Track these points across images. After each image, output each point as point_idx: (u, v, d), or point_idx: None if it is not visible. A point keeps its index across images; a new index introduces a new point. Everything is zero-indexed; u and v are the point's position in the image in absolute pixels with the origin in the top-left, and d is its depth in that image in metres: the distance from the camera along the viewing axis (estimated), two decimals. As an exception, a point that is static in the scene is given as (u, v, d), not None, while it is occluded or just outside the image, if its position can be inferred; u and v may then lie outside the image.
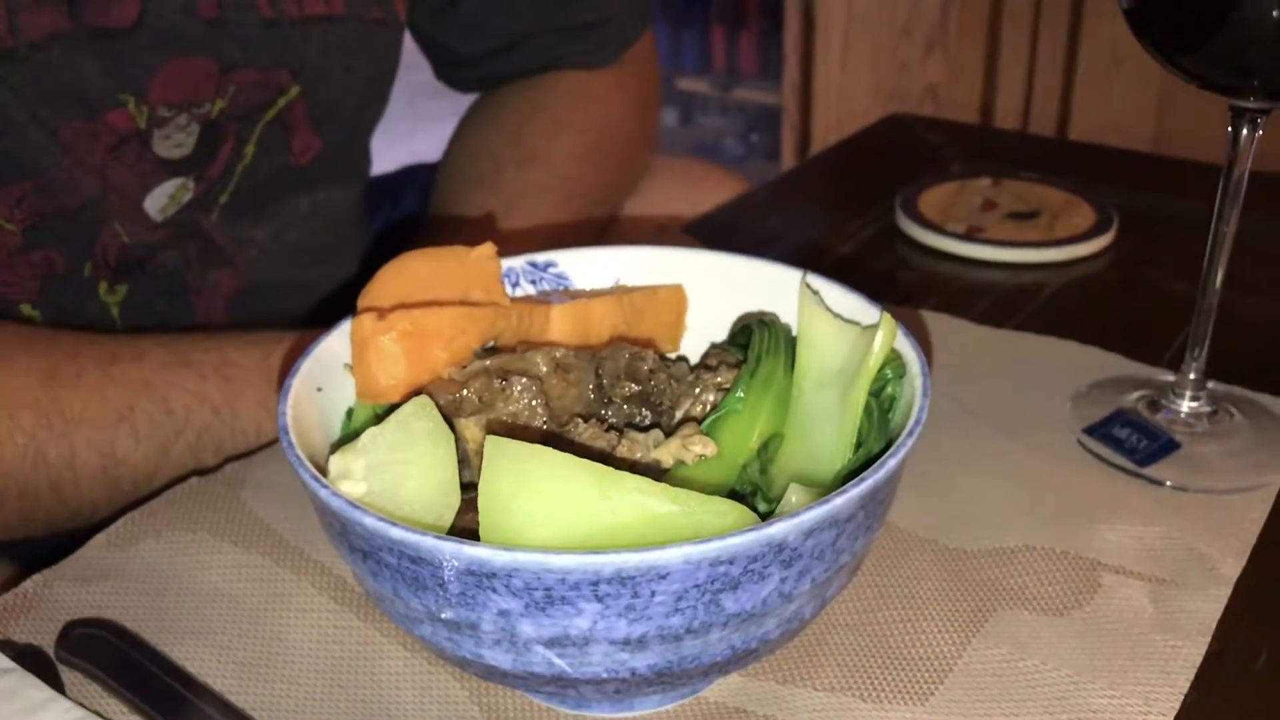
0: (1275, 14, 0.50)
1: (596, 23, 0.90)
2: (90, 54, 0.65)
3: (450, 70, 0.95)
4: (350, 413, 0.49)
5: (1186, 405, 0.64)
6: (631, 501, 0.38)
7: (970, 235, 0.85)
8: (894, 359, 0.47)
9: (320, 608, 0.52)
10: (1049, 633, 0.50)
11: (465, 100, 0.97)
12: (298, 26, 0.73)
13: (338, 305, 0.84)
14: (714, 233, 0.89)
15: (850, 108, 2.32)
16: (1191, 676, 0.48)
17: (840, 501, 0.38)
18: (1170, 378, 0.65)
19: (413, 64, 1.00)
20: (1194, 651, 0.49)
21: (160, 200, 0.72)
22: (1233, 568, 0.54)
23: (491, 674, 0.42)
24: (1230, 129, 0.57)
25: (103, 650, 0.49)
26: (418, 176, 1.02)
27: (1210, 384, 0.64)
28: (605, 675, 0.40)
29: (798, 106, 2.47)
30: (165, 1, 0.66)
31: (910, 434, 0.42)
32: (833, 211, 0.95)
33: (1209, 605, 0.52)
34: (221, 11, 0.69)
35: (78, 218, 0.70)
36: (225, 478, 0.60)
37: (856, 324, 0.49)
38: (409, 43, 0.95)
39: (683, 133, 3.22)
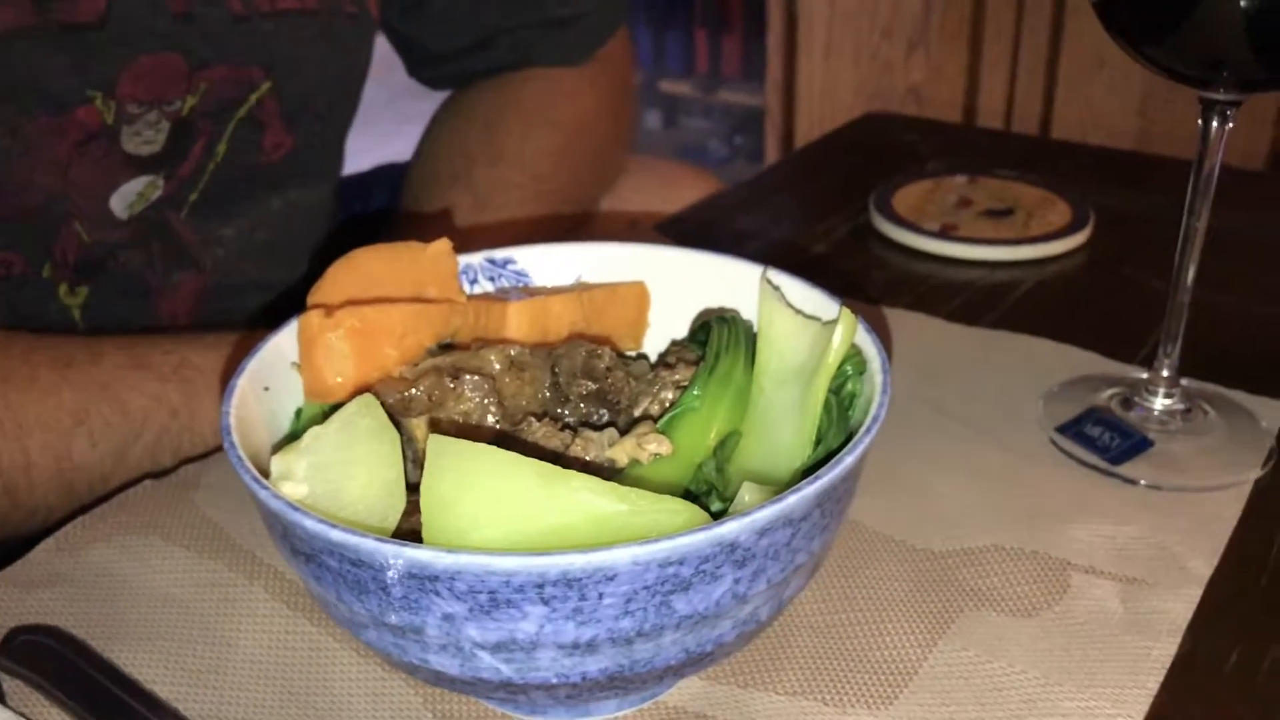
0: (1242, 4, 0.49)
1: (569, 19, 0.89)
2: (56, 49, 0.64)
3: (422, 68, 0.94)
4: (299, 412, 0.48)
5: (1160, 403, 0.63)
6: (579, 501, 0.37)
7: (944, 233, 0.84)
8: (854, 355, 0.46)
9: (272, 613, 0.51)
10: (1017, 634, 0.49)
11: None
12: (269, 20, 0.72)
13: (303, 305, 0.83)
14: (687, 231, 0.88)
15: (833, 109, 2.32)
16: (1161, 677, 0.47)
17: (794, 500, 0.37)
18: (1144, 375, 0.64)
19: (395, 65, 0.99)
20: (1164, 652, 0.48)
21: (128, 198, 0.71)
22: (1205, 567, 0.53)
23: (440, 680, 0.41)
24: (1200, 121, 0.56)
25: (46, 658, 0.47)
26: (389, 175, 1.01)
27: (1184, 381, 0.63)
28: (555, 680, 0.39)
29: (781, 108, 2.46)
30: None
31: (868, 431, 0.41)
32: (807, 210, 0.94)
33: (1180, 605, 0.51)
34: (190, 6, 0.68)
35: (36, 216, 0.68)
36: (179, 480, 0.59)
37: (817, 320, 0.48)
38: (385, 47, 0.94)
39: (666, 135, 3.21)
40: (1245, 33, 0.51)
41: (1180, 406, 0.63)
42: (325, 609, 0.42)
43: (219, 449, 0.61)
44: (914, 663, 0.48)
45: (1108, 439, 0.61)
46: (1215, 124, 0.56)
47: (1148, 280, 0.79)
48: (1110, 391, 0.65)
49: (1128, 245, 0.84)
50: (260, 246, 0.82)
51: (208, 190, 0.75)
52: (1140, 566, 0.53)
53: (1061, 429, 0.62)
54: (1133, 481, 0.58)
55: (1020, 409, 0.65)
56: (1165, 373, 0.62)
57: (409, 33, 0.90)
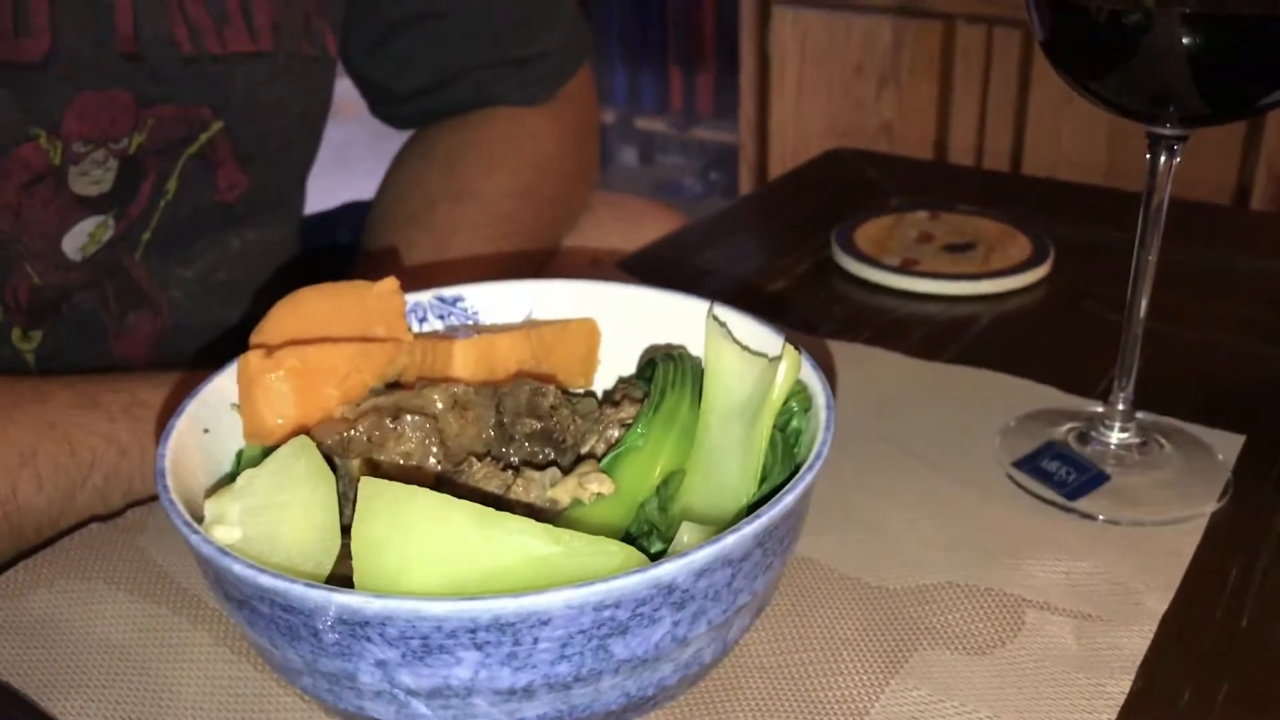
0: (1185, 40, 0.50)
1: (531, 58, 0.89)
2: None
3: (384, 107, 0.94)
4: (240, 455, 0.47)
5: (1116, 437, 0.63)
6: (513, 543, 0.36)
7: (905, 268, 0.84)
8: (800, 391, 0.46)
9: (216, 658, 0.50)
10: (970, 673, 0.49)
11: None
12: (220, 63, 0.72)
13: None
14: (650, 268, 0.88)
15: (805, 145, 2.33)
16: (1115, 715, 0.47)
17: (731, 540, 0.37)
18: (1100, 409, 0.64)
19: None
20: (1117, 689, 0.48)
21: (79, 239, 0.71)
22: (1160, 602, 0.53)
23: (378, 727, 0.40)
24: (1148, 156, 0.56)
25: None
26: (355, 212, 1.00)
27: (1140, 415, 0.63)
28: (493, 727, 0.38)
29: (754, 144, 2.48)
30: (78, 35, 0.65)
31: (810, 468, 0.40)
32: (770, 246, 0.94)
33: (1134, 641, 0.50)
34: (139, 47, 0.68)
35: None
36: (125, 524, 0.58)
37: (763, 356, 0.47)
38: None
39: (642, 171, 3.23)
40: (1188, 68, 0.51)
41: (1136, 440, 0.62)
42: (261, 654, 0.41)
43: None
44: (865, 703, 0.47)
45: (1064, 474, 0.61)
46: (1163, 158, 0.56)
47: (1107, 314, 0.79)
48: (1068, 426, 0.65)
49: (1088, 279, 0.85)
50: (220, 287, 0.81)
51: (160, 230, 0.74)
52: (1095, 602, 0.53)
53: (1018, 464, 0.62)
54: (1089, 516, 0.58)
55: (978, 444, 0.64)
56: (1121, 406, 0.62)
57: (370, 73, 0.90)
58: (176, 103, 0.70)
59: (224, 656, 0.50)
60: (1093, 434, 0.63)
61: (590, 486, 0.43)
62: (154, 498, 0.60)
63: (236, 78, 0.73)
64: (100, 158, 0.68)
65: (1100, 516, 0.58)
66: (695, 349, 0.53)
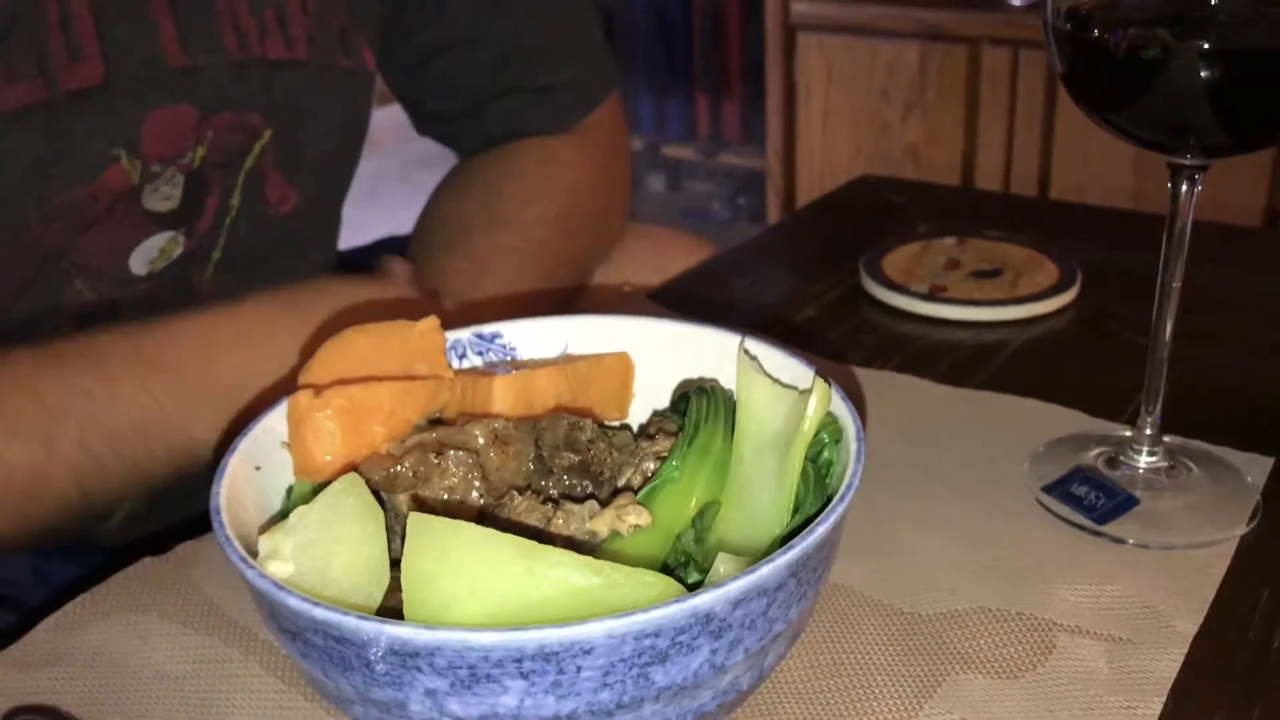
0: (1203, 74, 0.51)
1: (560, 85, 0.92)
2: (71, 116, 0.66)
3: (425, 124, 0.97)
4: (290, 490, 0.49)
5: (1144, 460, 0.63)
6: (555, 576, 0.38)
7: (933, 295, 0.85)
8: (831, 423, 0.47)
9: (267, 688, 0.52)
10: (1002, 696, 0.50)
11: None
12: (262, 68, 0.74)
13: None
14: (680, 298, 0.90)
15: (832, 169, 2.35)
16: (1146, 738, 0.48)
17: (767, 570, 0.38)
18: (1128, 433, 0.65)
19: (408, 135, 1.01)
20: (1148, 712, 0.49)
21: (150, 254, 0.73)
22: (1190, 624, 0.54)
23: (427, 754, 0.41)
24: (1170, 185, 0.58)
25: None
26: (392, 247, 1.03)
27: (1167, 438, 0.64)
28: (538, 753, 0.40)
29: (781, 170, 2.49)
30: (127, 55, 0.67)
31: (842, 499, 0.42)
32: (799, 274, 0.95)
33: (1165, 664, 0.51)
34: (191, 59, 0.70)
35: (41, 279, 0.69)
36: (177, 558, 0.60)
37: (794, 388, 0.49)
38: (399, 117, 0.97)
39: (670, 198, 3.25)
40: (1207, 101, 0.52)
41: (1165, 464, 0.63)
42: (312, 685, 0.43)
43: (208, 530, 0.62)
44: (900, 727, 0.48)
45: (1093, 498, 0.62)
46: (1184, 187, 0.57)
47: (1135, 337, 0.80)
48: (1096, 450, 0.65)
49: (1115, 303, 0.85)
50: None
51: (229, 249, 0.77)
52: (1125, 626, 0.54)
53: (1048, 489, 0.63)
54: (1119, 540, 0.59)
55: (1007, 469, 0.65)
56: (1148, 430, 0.63)
57: (408, 94, 0.93)
58: (232, 110, 0.73)
59: (274, 687, 0.52)
60: (1121, 458, 0.64)
61: (628, 519, 0.44)
62: (200, 534, 0.62)
63: (275, 85, 0.75)
64: (170, 175, 0.71)
65: (1130, 540, 0.59)
66: (727, 381, 0.54)
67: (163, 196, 0.71)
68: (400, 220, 0.98)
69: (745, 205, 3.07)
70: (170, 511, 0.80)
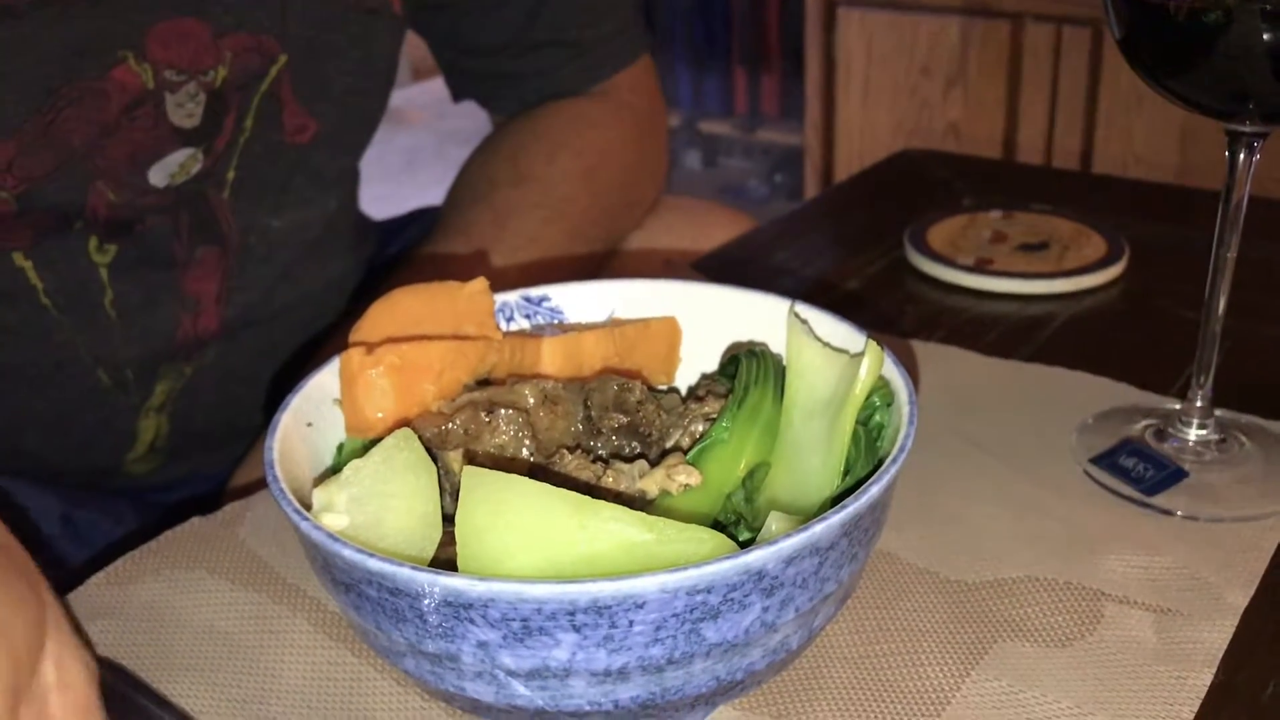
0: (1266, 37, 0.50)
1: (589, 41, 0.92)
2: (82, 15, 0.66)
3: (461, 85, 0.97)
4: (341, 447, 0.49)
5: (1194, 434, 0.63)
6: (608, 530, 0.38)
7: (979, 267, 0.85)
8: (882, 387, 0.47)
9: (315, 644, 0.52)
10: (1050, 664, 0.50)
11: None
12: None
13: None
14: (723, 267, 0.89)
15: (872, 146, 2.33)
16: (1196, 708, 0.47)
17: (820, 529, 0.38)
18: (1177, 406, 0.64)
19: (443, 111, 1.02)
20: (1199, 682, 0.48)
21: (169, 168, 0.73)
22: (1240, 597, 0.53)
23: (477, 708, 0.42)
24: (1228, 153, 0.57)
25: (98, 688, 0.49)
26: (426, 218, 1.03)
27: (1218, 412, 0.63)
28: (588, 708, 0.40)
29: (820, 146, 2.48)
30: None
31: (895, 460, 0.42)
32: (842, 246, 0.95)
33: (1215, 635, 0.51)
34: None
35: (61, 177, 0.70)
36: (223, 518, 0.60)
37: (845, 353, 0.48)
38: (434, 93, 0.96)
39: (707, 174, 3.24)
40: (1269, 65, 0.51)
41: (1215, 437, 0.63)
42: (364, 638, 0.43)
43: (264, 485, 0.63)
44: (947, 693, 0.48)
45: (1142, 470, 0.61)
46: (1242, 156, 0.56)
47: (1183, 312, 0.79)
48: (1144, 423, 0.65)
49: (1163, 277, 0.85)
50: (296, 249, 0.83)
51: (242, 169, 0.77)
52: (1174, 597, 0.53)
53: (1095, 460, 0.62)
54: (1167, 512, 0.58)
55: (1054, 441, 0.65)
56: (1199, 403, 0.62)
57: (443, 54, 0.93)
58: (247, 30, 0.73)
59: (322, 643, 0.52)
60: (1170, 431, 0.63)
61: (678, 478, 0.44)
62: (247, 494, 0.63)
63: (290, 10, 0.74)
64: (193, 90, 0.71)
65: (1179, 512, 0.58)
66: (775, 346, 0.54)
67: (186, 113, 0.71)
68: (436, 195, 0.99)
69: (783, 183, 3.06)
70: (193, 445, 0.81)
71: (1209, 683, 0.48)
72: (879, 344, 0.46)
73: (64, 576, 0.57)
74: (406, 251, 0.93)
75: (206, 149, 0.74)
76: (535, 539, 0.38)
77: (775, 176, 3.10)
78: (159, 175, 0.73)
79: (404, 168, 3.56)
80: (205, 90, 0.72)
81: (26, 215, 0.70)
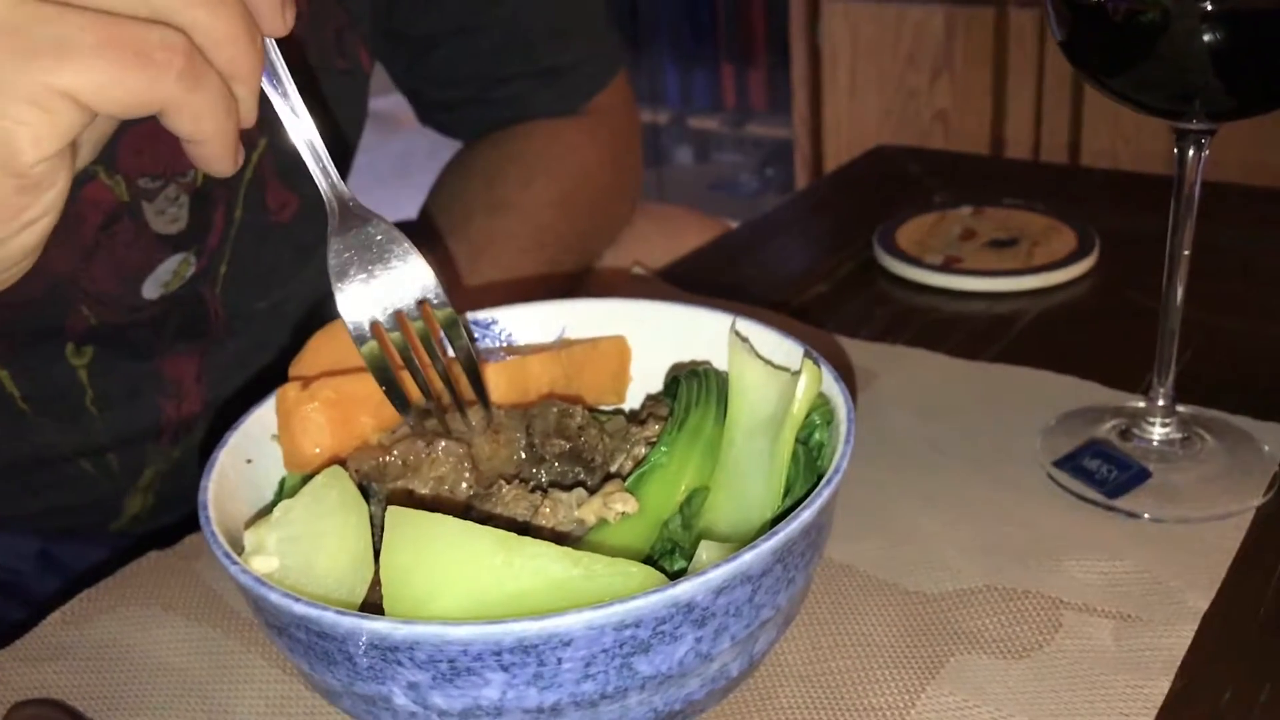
0: (1205, 37, 0.49)
1: (564, 68, 0.91)
2: None
3: (432, 115, 0.96)
4: (283, 483, 0.49)
5: (1158, 432, 0.62)
6: (534, 567, 0.37)
7: (948, 266, 0.84)
8: (822, 404, 0.46)
9: (268, 678, 0.52)
10: (1006, 677, 0.49)
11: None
12: None
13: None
14: (691, 277, 0.89)
15: (860, 137, 2.32)
16: (1153, 717, 0.47)
17: (749, 557, 0.38)
18: (1143, 404, 0.64)
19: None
20: (1156, 690, 0.48)
21: (164, 277, 0.72)
22: (1201, 600, 0.52)
23: (417, 746, 0.41)
24: (1175, 150, 0.56)
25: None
26: (405, 231, 1.02)
27: (1181, 409, 0.63)
28: (526, 744, 0.39)
29: (809, 139, 2.47)
30: None
31: (829, 482, 0.41)
32: (813, 249, 0.94)
33: (1175, 641, 0.50)
34: None
35: (49, 298, 0.69)
36: (181, 551, 0.60)
37: (786, 370, 0.48)
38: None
39: (698, 170, 3.23)
40: (1211, 64, 0.50)
41: (1179, 435, 0.62)
42: (303, 677, 0.43)
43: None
44: (901, 710, 0.48)
45: (1105, 471, 0.61)
46: (1191, 152, 0.56)
47: (1153, 305, 0.78)
48: (1110, 423, 0.64)
49: (1134, 270, 0.84)
50: (287, 316, 0.83)
51: (235, 260, 0.76)
52: (1135, 602, 0.53)
53: (1059, 463, 0.62)
54: (1131, 514, 0.58)
55: (1018, 444, 0.64)
56: (1161, 401, 0.62)
57: (412, 85, 0.92)
58: None
59: (276, 677, 0.52)
60: (1135, 430, 0.63)
61: (615, 506, 0.44)
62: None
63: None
64: (172, 194, 0.70)
65: (1144, 515, 0.58)
66: (725, 362, 0.53)
67: (169, 218, 0.70)
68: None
69: (774, 176, 3.05)
70: (183, 507, 0.80)
71: (1166, 690, 0.48)
72: (816, 361, 0.46)
73: (38, 614, 0.57)
74: None
75: (198, 250, 0.73)
76: (461, 578, 0.38)
77: (766, 170, 3.09)
78: (152, 288, 0.71)
79: (396, 172, 3.55)
80: (186, 191, 0.70)
81: (4, 336, 0.69)
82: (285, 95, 0.44)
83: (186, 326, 0.77)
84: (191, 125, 0.41)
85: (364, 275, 0.46)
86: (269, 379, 0.83)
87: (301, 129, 0.45)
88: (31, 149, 0.39)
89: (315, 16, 0.76)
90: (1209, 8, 0.49)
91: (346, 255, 0.46)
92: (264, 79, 0.43)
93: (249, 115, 0.43)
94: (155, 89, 0.39)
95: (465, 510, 0.44)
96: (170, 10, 0.39)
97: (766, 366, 0.48)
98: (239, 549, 0.42)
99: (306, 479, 0.48)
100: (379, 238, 0.46)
